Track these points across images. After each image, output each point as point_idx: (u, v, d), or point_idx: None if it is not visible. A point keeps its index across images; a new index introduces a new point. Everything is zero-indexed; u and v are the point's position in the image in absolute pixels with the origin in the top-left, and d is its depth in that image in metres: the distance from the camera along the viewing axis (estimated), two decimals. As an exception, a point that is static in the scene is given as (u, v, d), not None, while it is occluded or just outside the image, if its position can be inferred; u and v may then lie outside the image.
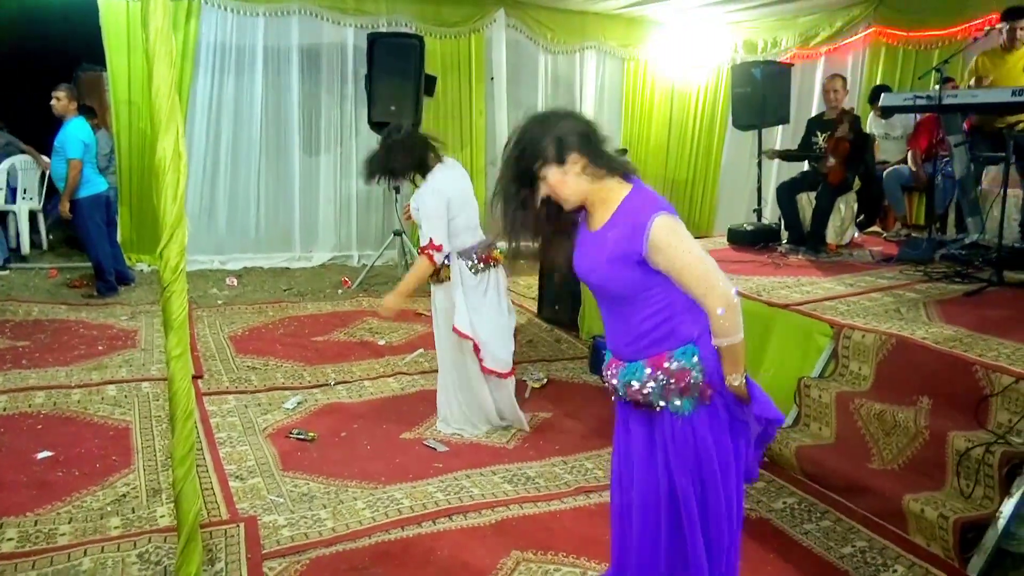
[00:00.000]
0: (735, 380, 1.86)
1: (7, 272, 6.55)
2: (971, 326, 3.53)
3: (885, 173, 6.19)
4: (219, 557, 2.63)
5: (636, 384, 1.91)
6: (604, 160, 1.88)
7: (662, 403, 1.91)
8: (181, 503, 1.75)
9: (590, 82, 8.83)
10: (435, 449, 3.60)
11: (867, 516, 2.92)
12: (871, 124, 6.61)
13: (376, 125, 6.62)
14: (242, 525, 2.82)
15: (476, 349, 3.60)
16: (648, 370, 1.89)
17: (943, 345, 3.27)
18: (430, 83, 6.89)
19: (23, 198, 7.24)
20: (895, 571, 2.63)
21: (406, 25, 7.46)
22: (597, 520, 2.96)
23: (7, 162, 7.05)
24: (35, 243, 7.33)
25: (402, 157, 3.56)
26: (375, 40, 6.60)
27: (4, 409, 3.85)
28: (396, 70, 6.50)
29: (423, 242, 3.52)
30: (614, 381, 1.98)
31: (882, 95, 5.31)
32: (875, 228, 6.61)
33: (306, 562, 2.61)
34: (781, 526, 2.93)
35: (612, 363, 2.01)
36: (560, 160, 1.84)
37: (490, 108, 8.22)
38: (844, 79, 5.68)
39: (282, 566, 2.58)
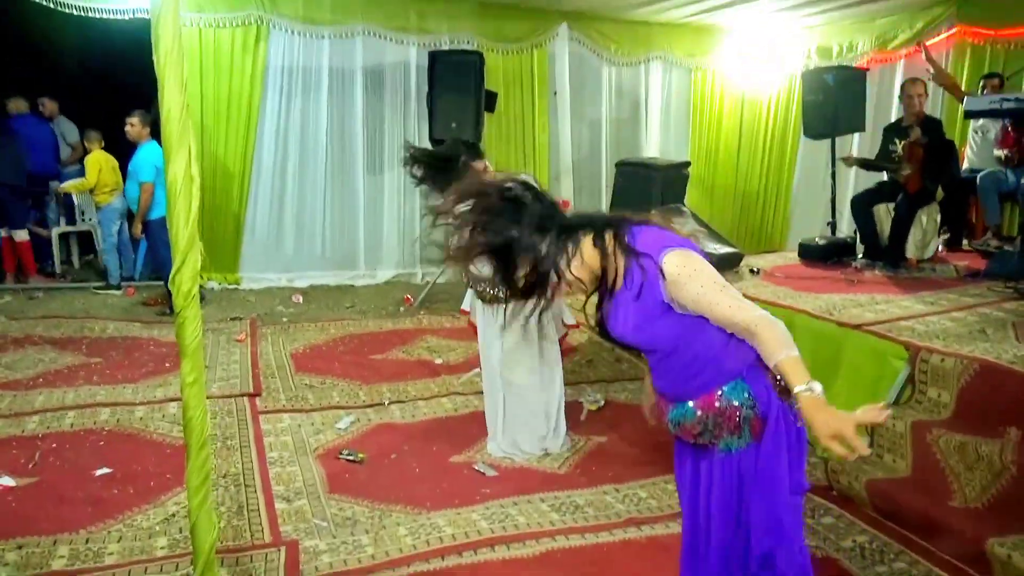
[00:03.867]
0: (803, 391, 1.59)
1: (119, 292, 6.83)
2: (1067, 350, 3.22)
3: (981, 175, 5.73)
4: (257, 583, 2.60)
5: (688, 424, 1.83)
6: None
7: (713, 441, 1.83)
8: (197, 534, 1.72)
9: (655, 94, 8.65)
10: (484, 474, 3.52)
11: (946, 559, 2.67)
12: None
13: (436, 142, 6.62)
14: (283, 549, 2.80)
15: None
16: (699, 412, 1.80)
17: (1034, 371, 2.98)
18: (491, 99, 6.86)
19: None
20: (977, 623, 2.39)
21: (468, 42, 7.47)
22: (647, 554, 2.81)
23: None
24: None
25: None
26: (436, 58, 6.63)
27: (72, 425, 3.97)
28: (456, 87, 6.50)
29: None
30: (665, 420, 1.91)
31: (965, 98, 4.96)
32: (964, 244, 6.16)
33: (342, 591, 2.55)
34: (850, 567, 2.72)
35: (660, 401, 1.93)
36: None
37: (553, 123, 8.14)
38: (925, 83, 5.33)
39: (318, 594, 2.53)
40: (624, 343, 1.86)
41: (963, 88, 5.98)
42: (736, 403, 1.76)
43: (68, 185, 7.16)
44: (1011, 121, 5.30)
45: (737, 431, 1.77)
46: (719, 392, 1.77)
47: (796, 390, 1.59)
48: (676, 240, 1.75)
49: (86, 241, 7.88)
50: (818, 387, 1.58)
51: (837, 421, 1.54)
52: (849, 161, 5.92)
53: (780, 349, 1.62)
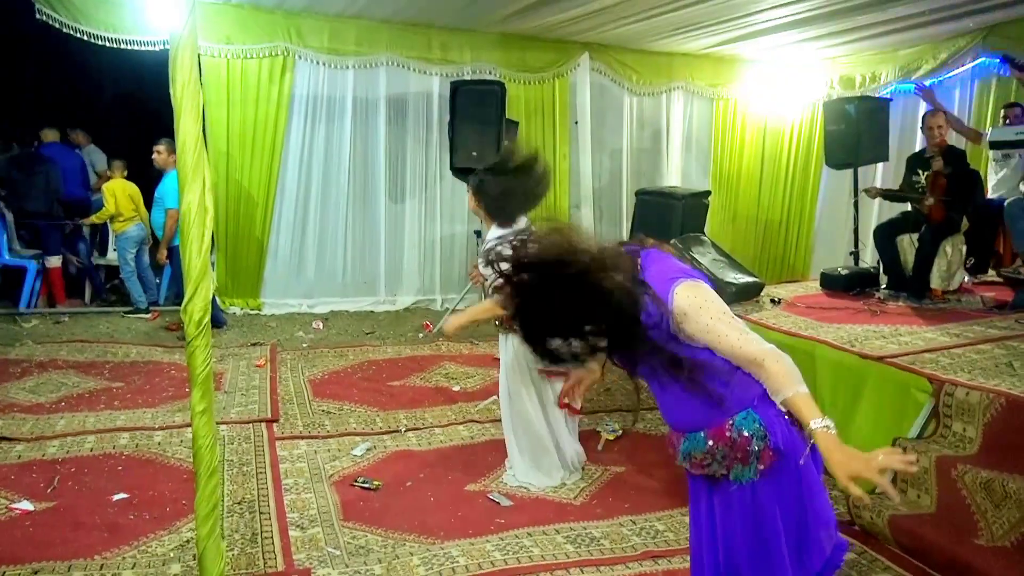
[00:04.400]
0: (820, 428, 1.60)
1: (148, 316, 6.92)
2: (1098, 384, 3.14)
3: (1009, 202, 5.63)
4: (268, 611, 2.59)
5: (698, 455, 1.82)
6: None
7: (724, 472, 1.80)
8: (205, 563, 1.71)
9: (677, 123, 8.68)
10: (499, 503, 3.48)
11: (973, 600, 2.59)
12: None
13: (458, 171, 6.69)
14: (295, 578, 2.78)
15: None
16: (710, 441, 1.79)
17: (1063, 406, 2.90)
18: (511, 128, 6.92)
19: None
20: (1005, 668, 2.30)
21: (490, 72, 7.56)
22: (663, 589, 2.76)
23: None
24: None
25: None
26: (457, 88, 6.71)
27: (91, 449, 4.00)
28: (477, 116, 6.56)
29: None
30: (675, 453, 1.91)
31: (991, 129, 4.90)
32: (991, 273, 6.06)
33: (353, 622, 2.53)
34: (872, 606, 2.64)
35: (672, 435, 1.93)
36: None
37: (574, 151, 8.19)
38: (946, 114, 5.29)
39: (328, 625, 2.51)
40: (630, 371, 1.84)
41: (988, 119, 5.92)
42: (747, 433, 1.74)
43: (89, 219, 7.31)
44: None
45: (746, 461, 1.75)
46: (730, 422, 1.75)
47: (813, 426, 1.61)
48: (684, 270, 1.75)
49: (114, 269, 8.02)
50: (832, 424, 1.60)
51: (858, 463, 1.54)
52: (872, 193, 5.86)
53: (790, 384, 1.64)
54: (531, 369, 3.59)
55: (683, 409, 1.82)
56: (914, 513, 3.02)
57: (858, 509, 3.15)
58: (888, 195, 5.78)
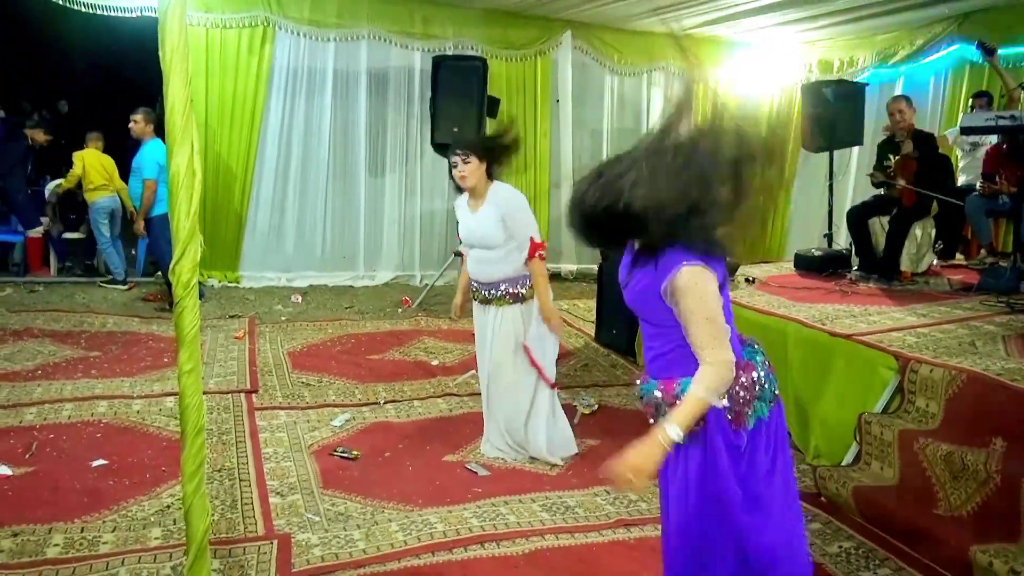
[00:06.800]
0: (673, 431, 1.75)
1: (125, 287, 6.87)
2: (1055, 363, 3.26)
3: (968, 199, 5.81)
4: (249, 574, 2.63)
5: (649, 401, 1.97)
6: None
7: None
8: (191, 519, 1.76)
9: (657, 104, 8.72)
10: (476, 473, 3.55)
11: (930, 566, 2.71)
12: (955, 138, 6.20)
13: (439, 146, 6.69)
14: (275, 542, 2.83)
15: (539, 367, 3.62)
16: (658, 393, 1.94)
17: (1020, 382, 3.01)
18: (493, 105, 6.92)
19: None
20: (958, 629, 2.42)
21: (472, 48, 7.55)
22: (635, 555, 2.85)
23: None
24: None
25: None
26: (439, 63, 6.69)
27: (69, 417, 4.01)
28: (459, 92, 6.56)
29: (527, 244, 3.45)
30: (638, 391, 2.06)
31: (962, 115, 5.01)
32: (958, 257, 6.22)
33: (333, 583, 2.59)
34: (835, 572, 2.75)
35: (643, 375, 2.06)
36: None
37: (555, 130, 8.21)
38: (908, 100, 5.38)
39: (309, 586, 2.56)
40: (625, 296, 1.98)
41: (960, 107, 6.04)
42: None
43: (59, 183, 7.21)
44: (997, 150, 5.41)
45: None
46: (679, 382, 1.87)
47: (670, 431, 1.75)
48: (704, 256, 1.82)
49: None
50: (675, 436, 1.75)
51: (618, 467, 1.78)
52: (875, 179, 5.83)
53: (704, 389, 1.76)
54: (516, 343, 3.62)
55: (649, 354, 1.97)
56: (877, 484, 3.13)
57: (824, 481, 3.26)
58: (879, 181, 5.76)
